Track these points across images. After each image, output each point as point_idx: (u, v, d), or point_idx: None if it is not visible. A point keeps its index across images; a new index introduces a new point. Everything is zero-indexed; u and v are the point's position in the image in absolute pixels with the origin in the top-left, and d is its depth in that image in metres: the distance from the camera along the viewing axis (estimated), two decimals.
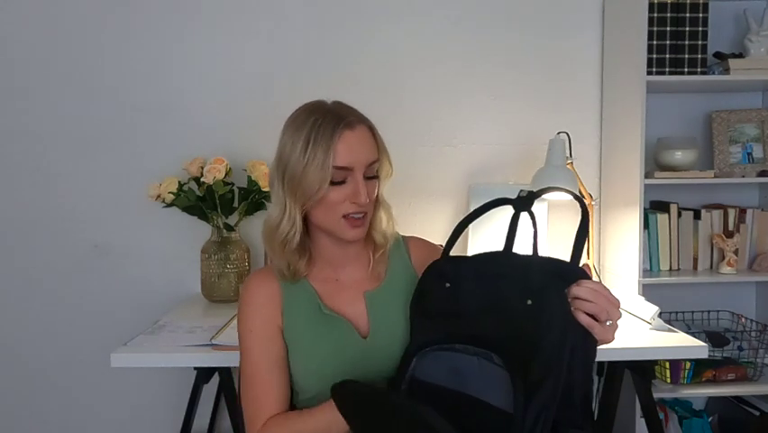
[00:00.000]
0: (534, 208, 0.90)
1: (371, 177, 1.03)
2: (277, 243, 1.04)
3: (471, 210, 0.97)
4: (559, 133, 1.94)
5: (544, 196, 0.95)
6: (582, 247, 0.85)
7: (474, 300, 0.90)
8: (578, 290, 0.83)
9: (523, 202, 0.89)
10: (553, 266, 0.85)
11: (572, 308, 0.82)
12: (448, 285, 0.94)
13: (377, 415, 0.88)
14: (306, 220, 1.06)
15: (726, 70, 1.99)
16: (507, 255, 0.91)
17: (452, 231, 0.97)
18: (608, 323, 0.83)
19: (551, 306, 0.82)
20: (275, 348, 1.05)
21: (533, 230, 0.86)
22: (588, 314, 0.82)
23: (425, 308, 0.97)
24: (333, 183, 0.99)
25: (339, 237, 1.04)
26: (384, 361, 1.02)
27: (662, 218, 2.07)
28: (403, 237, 1.18)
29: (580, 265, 0.86)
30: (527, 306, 0.83)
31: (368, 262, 1.11)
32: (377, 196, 1.07)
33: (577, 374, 0.82)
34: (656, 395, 1.87)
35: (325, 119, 0.99)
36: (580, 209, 0.88)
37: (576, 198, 0.91)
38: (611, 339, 0.84)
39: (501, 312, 0.86)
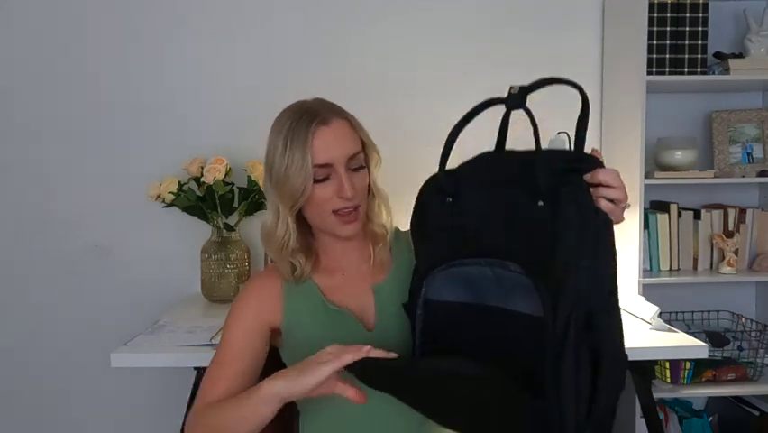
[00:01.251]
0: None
1: (357, 168, 1.03)
2: (275, 246, 1.05)
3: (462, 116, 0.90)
4: (559, 133, 1.93)
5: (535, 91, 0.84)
6: (584, 136, 0.82)
7: (479, 211, 0.85)
8: (602, 176, 0.80)
9: (515, 99, 0.83)
10: (562, 161, 0.81)
11: (594, 197, 0.79)
12: (449, 200, 0.89)
13: (405, 387, 0.87)
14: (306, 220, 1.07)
15: (726, 70, 1.99)
16: (507, 157, 0.87)
17: (444, 141, 0.90)
18: (622, 205, 0.81)
19: (568, 202, 0.77)
20: (254, 342, 1.04)
21: (532, 128, 0.81)
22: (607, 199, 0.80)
23: (428, 227, 0.92)
24: (316, 181, 0.99)
25: (336, 235, 1.05)
26: (391, 348, 1.01)
27: (662, 218, 2.07)
28: (402, 231, 1.17)
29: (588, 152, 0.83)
30: (539, 207, 0.79)
31: (371, 256, 1.11)
32: (369, 187, 1.06)
33: (601, 261, 0.80)
34: (656, 395, 1.87)
35: (301, 119, 1.00)
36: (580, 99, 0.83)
37: (575, 85, 0.82)
38: (623, 219, 0.84)
39: (510, 219, 0.81)
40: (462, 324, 0.85)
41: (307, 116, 1.00)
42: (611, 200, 0.80)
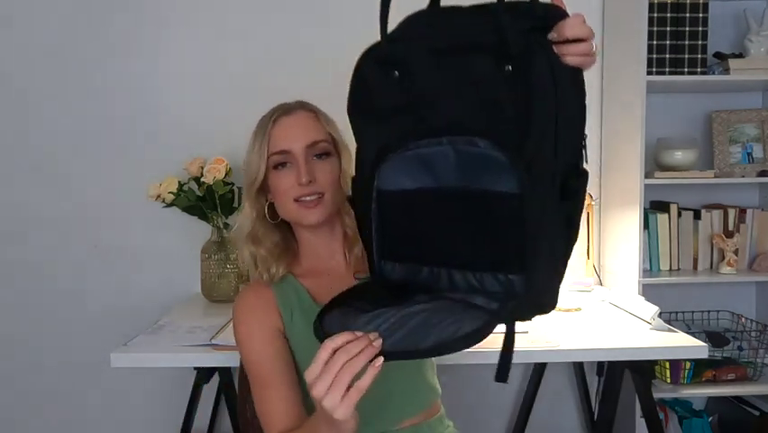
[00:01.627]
0: None
1: (321, 156, 1.05)
2: (243, 237, 1.08)
3: None
4: None
5: None
6: None
7: (434, 83, 0.73)
8: (569, 30, 0.68)
9: None
10: (527, 18, 0.69)
11: (562, 55, 0.69)
12: (396, 73, 0.75)
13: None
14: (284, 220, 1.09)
15: (726, 70, 1.99)
16: (452, 15, 0.74)
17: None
18: (593, 50, 0.71)
19: (542, 66, 0.67)
20: (275, 349, 1.03)
21: None
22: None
23: (373, 107, 0.78)
24: (275, 168, 1.04)
25: (302, 224, 1.06)
26: None
27: (662, 218, 2.07)
28: None
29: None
30: (507, 73, 0.68)
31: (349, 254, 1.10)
32: (339, 178, 1.05)
33: (576, 122, 0.72)
34: (656, 395, 1.87)
35: (268, 113, 1.07)
36: None
37: None
38: (594, 62, 0.72)
39: (473, 90, 0.70)
40: (425, 212, 0.76)
41: (275, 110, 1.07)
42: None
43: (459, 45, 0.71)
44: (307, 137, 1.03)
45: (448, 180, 0.73)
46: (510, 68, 0.68)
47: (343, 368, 0.70)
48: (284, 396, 0.99)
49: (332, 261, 1.11)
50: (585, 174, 0.74)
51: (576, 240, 0.75)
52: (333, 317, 0.79)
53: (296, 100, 1.10)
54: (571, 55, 0.69)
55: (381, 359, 0.71)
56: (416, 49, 0.74)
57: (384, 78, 0.76)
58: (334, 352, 0.71)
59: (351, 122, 0.83)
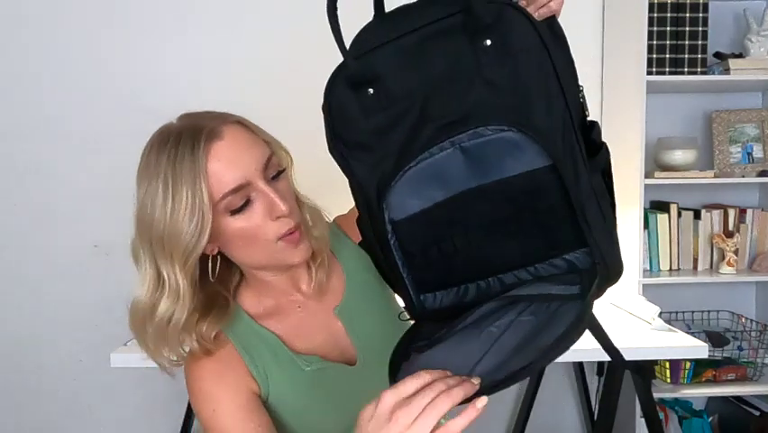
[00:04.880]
0: None
1: (277, 176, 0.80)
2: (158, 328, 0.79)
3: None
4: None
5: None
6: None
7: (413, 86, 0.66)
8: None
9: None
10: None
11: (535, 12, 0.65)
12: (371, 91, 0.67)
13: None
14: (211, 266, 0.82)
15: (727, 70, 1.99)
16: (404, 12, 0.67)
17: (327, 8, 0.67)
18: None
19: (516, 25, 0.62)
20: (257, 419, 0.79)
21: None
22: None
23: (354, 138, 0.69)
24: (235, 213, 0.76)
25: (284, 266, 0.83)
26: (379, 371, 0.75)
27: (662, 218, 2.07)
28: (332, 223, 0.98)
29: None
30: (488, 47, 0.63)
31: (314, 277, 0.89)
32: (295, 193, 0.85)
33: (571, 73, 0.66)
34: (656, 395, 1.87)
35: (179, 144, 0.75)
36: None
37: None
38: (562, 4, 0.68)
39: (457, 77, 0.64)
40: (449, 227, 0.68)
41: (188, 136, 0.75)
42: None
43: (425, 36, 0.64)
44: (257, 157, 0.77)
45: (463, 184, 0.66)
46: (489, 41, 0.63)
47: (438, 398, 0.58)
48: None
49: (297, 293, 0.90)
50: (596, 124, 0.68)
51: (614, 201, 0.69)
52: (403, 374, 0.66)
53: (180, 116, 0.82)
54: (542, 6, 0.66)
55: (485, 399, 0.59)
56: (382, 56, 0.66)
57: (360, 102, 0.68)
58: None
59: (336, 159, 0.72)
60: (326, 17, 0.68)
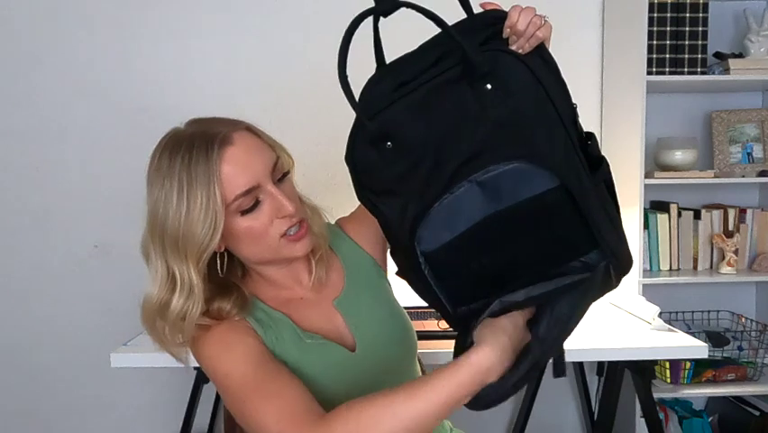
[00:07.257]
0: None
1: (282, 178, 0.88)
2: (173, 321, 0.87)
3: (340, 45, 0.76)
4: None
5: None
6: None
7: (427, 136, 0.73)
8: (520, 23, 0.71)
9: (385, 3, 0.76)
10: (474, 32, 0.72)
11: (517, 49, 0.72)
12: (389, 144, 0.75)
13: None
14: (223, 263, 0.90)
15: (727, 70, 1.99)
16: (406, 63, 0.76)
17: (338, 75, 0.73)
18: (543, 20, 0.74)
19: (511, 67, 0.71)
20: (262, 352, 0.86)
21: (440, 26, 0.73)
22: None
23: (379, 185, 0.78)
24: (246, 213, 0.84)
25: (287, 260, 0.91)
26: (377, 363, 0.93)
27: (662, 218, 2.07)
28: (333, 223, 1.06)
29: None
30: (489, 90, 0.71)
31: (315, 270, 0.96)
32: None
33: (565, 97, 0.75)
34: (656, 395, 1.87)
35: (194, 148, 0.82)
36: None
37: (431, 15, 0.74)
38: (550, 30, 0.76)
39: (464, 120, 0.72)
40: (475, 252, 0.75)
41: (202, 141, 0.82)
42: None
43: (430, 89, 0.72)
44: (265, 161, 0.85)
45: (483, 212, 0.73)
46: (489, 85, 0.70)
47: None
48: (290, 381, 0.82)
49: (297, 287, 0.96)
50: (593, 135, 0.76)
51: (618, 204, 0.80)
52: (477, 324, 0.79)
53: (189, 122, 0.91)
54: (530, 39, 0.72)
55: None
56: (394, 113, 0.74)
57: (380, 155, 0.76)
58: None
59: (366, 207, 0.82)
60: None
